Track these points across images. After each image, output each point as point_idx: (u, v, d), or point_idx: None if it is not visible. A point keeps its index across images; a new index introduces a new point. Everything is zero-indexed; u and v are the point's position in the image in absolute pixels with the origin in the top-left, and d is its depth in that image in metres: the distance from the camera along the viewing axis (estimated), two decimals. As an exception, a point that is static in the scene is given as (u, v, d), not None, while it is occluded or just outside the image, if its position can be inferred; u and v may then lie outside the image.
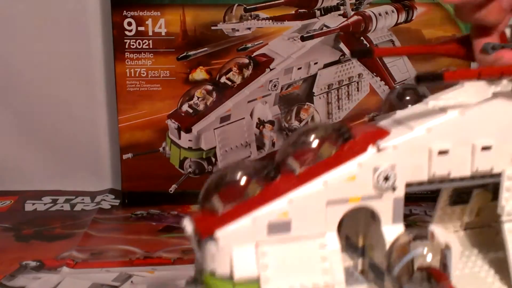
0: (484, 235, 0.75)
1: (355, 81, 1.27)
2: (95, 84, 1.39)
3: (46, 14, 1.35)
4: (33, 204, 1.32)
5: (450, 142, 0.62)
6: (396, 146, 0.61)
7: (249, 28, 1.25)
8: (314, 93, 1.28)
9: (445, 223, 0.76)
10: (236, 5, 1.24)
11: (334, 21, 1.25)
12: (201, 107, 1.27)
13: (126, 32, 1.25)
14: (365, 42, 1.25)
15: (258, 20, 1.25)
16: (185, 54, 1.26)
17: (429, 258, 0.59)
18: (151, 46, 1.25)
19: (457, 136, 0.63)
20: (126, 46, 1.25)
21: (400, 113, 0.66)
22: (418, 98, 0.68)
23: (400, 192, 0.62)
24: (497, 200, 0.67)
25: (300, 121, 1.28)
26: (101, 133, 1.41)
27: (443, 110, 0.64)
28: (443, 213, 0.75)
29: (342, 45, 1.25)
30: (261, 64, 1.26)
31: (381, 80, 1.25)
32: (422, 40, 1.21)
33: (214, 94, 1.27)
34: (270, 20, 1.25)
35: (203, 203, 0.61)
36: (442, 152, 0.62)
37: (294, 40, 1.25)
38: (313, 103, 1.28)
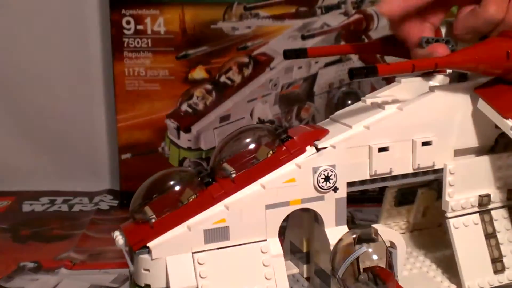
0: (432, 236, 0.76)
1: (356, 80, 1.27)
2: (94, 83, 1.39)
3: (44, 13, 1.34)
4: (31, 204, 1.32)
5: (389, 139, 0.62)
6: (335, 145, 0.60)
7: (249, 27, 1.24)
8: (314, 92, 1.27)
9: (391, 225, 0.76)
10: (236, 3, 1.23)
11: (335, 19, 1.24)
12: (201, 106, 1.27)
13: (125, 31, 1.24)
14: (366, 40, 1.24)
15: (258, 18, 1.24)
16: (184, 53, 1.25)
17: (374, 257, 0.57)
18: (150, 45, 1.25)
19: (397, 132, 0.62)
20: (125, 45, 1.24)
21: (338, 112, 0.66)
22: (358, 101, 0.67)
23: (342, 192, 0.61)
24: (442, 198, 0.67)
25: (300, 120, 1.27)
26: (100, 133, 1.41)
27: (381, 106, 0.63)
28: (389, 215, 0.75)
29: (343, 44, 1.24)
30: (261, 63, 1.26)
31: (382, 79, 1.25)
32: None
33: (214, 94, 1.26)
34: (271, 19, 1.24)
35: (135, 213, 0.59)
36: (382, 149, 0.62)
37: (295, 39, 1.24)
38: (313, 102, 1.27)
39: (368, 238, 0.58)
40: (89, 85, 1.39)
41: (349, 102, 0.70)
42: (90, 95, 1.39)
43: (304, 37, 1.24)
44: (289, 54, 0.70)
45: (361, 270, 0.57)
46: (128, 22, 1.24)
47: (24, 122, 1.39)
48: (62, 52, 1.36)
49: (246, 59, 1.25)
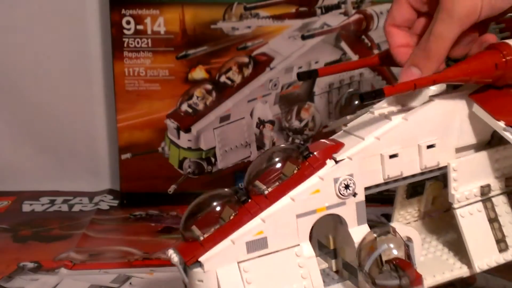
0: (442, 221, 0.84)
1: (356, 80, 1.27)
2: (94, 83, 1.38)
3: (44, 12, 1.34)
4: (31, 204, 1.32)
5: (398, 146, 0.70)
6: (351, 157, 0.68)
7: (249, 27, 1.24)
8: (315, 92, 1.27)
9: (404, 215, 0.84)
10: (236, 3, 1.23)
11: (335, 19, 1.24)
12: (201, 106, 1.26)
13: (125, 31, 1.24)
14: (366, 41, 1.24)
15: (258, 18, 1.24)
16: (184, 53, 1.25)
17: (394, 252, 0.66)
18: (150, 45, 1.25)
19: (404, 140, 0.70)
20: (125, 45, 1.24)
21: (350, 124, 0.74)
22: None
23: (361, 196, 0.69)
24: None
25: (300, 120, 1.27)
26: (100, 133, 1.40)
27: (388, 117, 0.71)
28: (402, 206, 0.84)
29: (343, 44, 1.24)
30: (261, 63, 1.25)
31: (382, 79, 1.25)
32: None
33: (214, 94, 1.26)
34: (270, 19, 1.24)
35: (185, 233, 0.68)
36: (392, 156, 0.70)
37: (295, 38, 1.24)
38: (313, 102, 1.27)
39: (388, 235, 0.67)
40: (89, 85, 1.38)
41: (356, 102, 0.78)
42: (90, 95, 1.39)
43: (304, 37, 1.24)
44: (301, 76, 0.77)
45: (384, 263, 0.65)
46: (128, 22, 1.24)
47: (24, 122, 1.39)
48: (62, 52, 1.35)
49: (246, 59, 1.25)
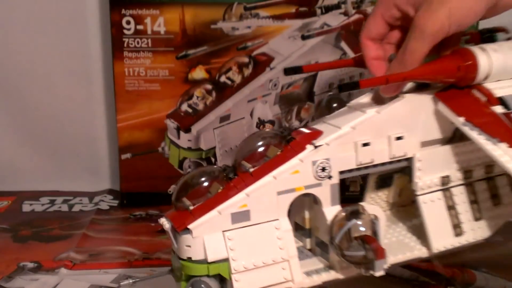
0: (407, 212, 0.91)
1: (356, 80, 1.26)
2: (94, 83, 1.38)
3: (44, 12, 1.34)
4: (31, 204, 1.32)
5: (371, 136, 0.77)
6: (329, 143, 0.76)
7: (249, 27, 1.24)
8: (315, 92, 1.27)
9: (374, 205, 0.88)
10: (236, 3, 1.23)
11: (335, 19, 1.24)
12: (201, 106, 1.26)
13: (125, 31, 1.24)
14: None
15: (258, 18, 1.24)
16: (184, 53, 1.25)
17: (362, 228, 0.73)
18: (150, 45, 1.24)
19: (376, 131, 0.78)
20: (125, 45, 1.24)
21: (329, 116, 0.81)
22: (343, 104, 0.83)
23: (335, 179, 0.77)
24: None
25: (300, 120, 1.27)
26: (100, 133, 1.40)
27: (362, 110, 0.79)
28: (371, 197, 0.91)
29: (343, 44, 1.24)
30: (261, 63, 1.25)
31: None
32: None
33: (214, 94, 1.26)
34: (270, 19, 1.24)
35: (176, 203, 0.75)
36: (365, 144, 0.77)
37: (295, 38, 1.24)
38: (313, 102, 1.27)
39: (356, 213, 0.75)
40: (89, 85, 1.38)
41: (335, 105, 0.85)
42: (90, 95, 1.39)
43: (304, 37, 1.24)
44: (287, 71, 0.84)
45: (353, 238, 0.73)
46: (128, 22, 1.24)
47: (24, 122, 1.39)
48: (62, 52, 1.35)
49: (246, 59, 1.25)
